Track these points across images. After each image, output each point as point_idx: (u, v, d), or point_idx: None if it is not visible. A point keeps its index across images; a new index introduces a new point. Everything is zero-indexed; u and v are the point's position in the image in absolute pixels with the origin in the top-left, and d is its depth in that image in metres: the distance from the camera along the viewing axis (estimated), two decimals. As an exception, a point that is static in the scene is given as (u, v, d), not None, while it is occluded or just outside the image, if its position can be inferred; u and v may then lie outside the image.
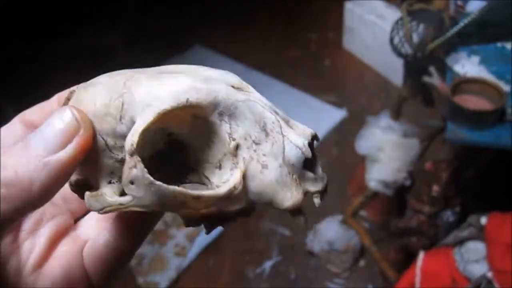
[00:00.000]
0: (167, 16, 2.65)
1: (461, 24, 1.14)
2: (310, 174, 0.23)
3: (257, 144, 0.22)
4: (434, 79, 1.23)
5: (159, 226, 1.64)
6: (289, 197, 0.22)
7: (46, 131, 0.22)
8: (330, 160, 1.93)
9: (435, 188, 1.28)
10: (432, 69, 1.24)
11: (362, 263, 1.60)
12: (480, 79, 1.13)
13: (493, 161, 1.32)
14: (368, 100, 2.16)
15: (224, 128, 0.22)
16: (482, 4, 1.20)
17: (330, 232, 1.60)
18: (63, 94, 0.26)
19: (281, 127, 0.22)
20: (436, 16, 1.22)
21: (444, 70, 1.22)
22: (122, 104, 0.22)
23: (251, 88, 0.23)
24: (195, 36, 2.55)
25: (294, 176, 0.22)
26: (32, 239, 0.25)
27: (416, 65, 1.29)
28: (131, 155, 0.21)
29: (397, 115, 1.49)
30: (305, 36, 2.59)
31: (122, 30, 2.40)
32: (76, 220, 0.28)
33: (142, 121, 0.21)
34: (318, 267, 1.60)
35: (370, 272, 1.58)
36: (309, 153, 0.22)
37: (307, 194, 0.23)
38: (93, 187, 0.25)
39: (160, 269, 1.57)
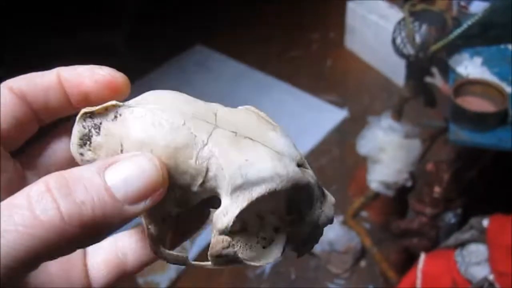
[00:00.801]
0: (169, 15, 2.64)
1: (465, 25, 1.13)
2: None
3: (303, 217, 0.25)
4: (436, 80, 1.23)
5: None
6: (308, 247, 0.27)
7: (129, 176, 0.21)
8: (331, 160, 1.93)
9: (437, 189, 1.28)
10: (434, 70, 1.24)
11: (362, 264, 1.60)
12: (483, 80, 1.13)
13: (495, 162, 1.32)
14: (369, 100, 2.15)
15: (286, 204, 0.25)
16: (485, 5, 1.19)
17: (331, 232, 1.59)
18: (67, 71, 0.25)
19: (321, 203, 0.26)
20: (438, 17, 1.22)
21: (446, 71, 1.22)
22: (207, 171, 0.23)
23: (305, 161, 0.26)
24: (196, 35, 2.55)
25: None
26: None
27: (418, 66, 1.28)
28: (223, 234, 0.23)
29: (398, 115, 1.49)
30: (307, 36, 2.59)
31: (123, 29, 2.40)
32: None
33: (236, 206, 0.23)
34: (319, 267, 1.60)
35: (370, 273, 1.58)
36: (332, 222, 0.27)
37: None
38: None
39: (161, 270, 1.57)
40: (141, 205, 0.21)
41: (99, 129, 0.24)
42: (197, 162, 0.23)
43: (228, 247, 0.23)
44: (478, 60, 1.20)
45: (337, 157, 1.94)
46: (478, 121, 1.06)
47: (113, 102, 0.24)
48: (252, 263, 0.24)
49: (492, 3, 1.16)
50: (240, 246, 0.24)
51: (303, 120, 2.06)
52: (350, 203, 1.70)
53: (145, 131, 0.23)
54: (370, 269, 1.59)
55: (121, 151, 0.23)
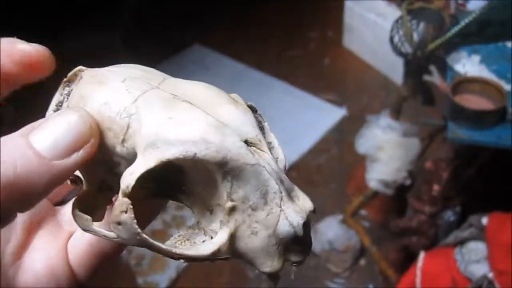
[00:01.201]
0: (167, 15, 2.64)
1: (462, 23, 1.13)
2: (296, 247, 0.23)
3: (253, 210, 0.21)
4: (434, 78, 1.23)
5: (158, 226, 1.64)
6: (269, 265, 0.22)
7: (55, 131, 0.20)
8: (330, 159, 1.93)
9: (436, 187, 1.28)
10: (432, 67, 1.24)
11: (362, 262, 1.60)
12: (481, 78, 1.13)
13: (494, 160, 1.32)
14: (368, 99, 2.15)
15: (225, 186, 0.21)
16: (483, 2, 1.19)
17: (330, 231, 1.59)
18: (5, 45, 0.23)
19: (281, 200, 0.22)
20: (436, 15, 1.21)
21: (444, 69, 1.22)
22: (128, 127, 0.21)
23: (264, 144, 0.22)
24: (194, 35, 2.54)
25: (279, 248, 0.22)
26: (7, 227, 0.23)
27: (416, 64, 1.28)
28: (124, 196, 0.20)
29: (397, 114, 1.49)
30: (305, 35, 2.59)
31: (122, 29, 2.39)
32: (55, 203, 0.27)
33: (143, 165, 0.20)
34: (318, 267, 1.60)
35: (370, 271, 1.58)
36: (301, 233, 0.22)
37: (286, 262, 0.23)
38: (82, 184, 0.24)
39: (160, 269, 1.56)
40: (72, 158, 0.20)
41: (69, 95, 0.24)
42: (120, 117, 0.21)
43: (126, 211, 0.20)
44: (476, 58, 1.20)
45: (336, 156, 1.94)
46: (477, 119, 1.06)
47: (79, 67, 0.24)
48: (165, 248, 0.21)
49: (489, 1, 1.16)
50: (181, 237, 0.23)
51: (301, 119, 2.06)
52: (349, 202, 1.70)
53: (87, 88, 0.22)
54: (370, 268, 1.59)
55: None
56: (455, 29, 1.14)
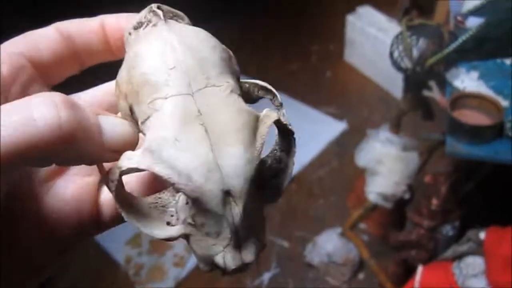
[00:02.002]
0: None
1: (459, 40, 1.15)
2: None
3: (206, 234, 0.24)
4: (434, 93, 1.24)
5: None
6: (204, 268, 0.25)
7: (117, 128, 0.23)
8: (330, 172, 1.94)
9: (435, 201, 1.28)
10: (432, 83, 1.25)
11: (361, 276, 1.60)
12: (479, 94, 1.14)
13: (492, 175, 1.33)
14: (368, 113, 2.17)
15: (191, 208, 0.23)
16: (481, 19, 1.21)
17: (329, 244, 1.60)
18: (110, 18, 0.26)
19: (228, 245, 0.24)
20: (435, 31, 1.23)
21: (443, 84, 1.23)
22: (147, 118, 0.23)
23: (241, 199, 0.23)
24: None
25: (213, 264, 0.25)
26: None
27: (415, 79, 1.30)
28: (118, 169, 0.22)
29: (396, 128, 1.50)
30: (306, 48, 2.61)
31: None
32: None
33: (137, 161, 0.22)
34: (317, 279, 1.60)
35: (369, 285, 1.58)
36: (229, 272, 0.24)
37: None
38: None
39: (159, 279, 1.57)
40: (115, 156, 0.22)
41: (146, 27, 0.25)
42: (149, 106, 0.23)
43: (113, 181, 0.23)
44: (474, 74, 1.22)
45: (336, 168, 1.95)
46: (475, 134, 1.07)
47: (159, 12, 0.25)
48: (131, 221, 0.24)
49: (487, 18, 1.18)
50: (158, 202, 0.25)
51: (302, 132, 2.07)
52: (349, 215, 1.71)
53: (145, 50, 0.24)
54: (369, 281, 1.59)
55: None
56: (453, 45, 1.16)
